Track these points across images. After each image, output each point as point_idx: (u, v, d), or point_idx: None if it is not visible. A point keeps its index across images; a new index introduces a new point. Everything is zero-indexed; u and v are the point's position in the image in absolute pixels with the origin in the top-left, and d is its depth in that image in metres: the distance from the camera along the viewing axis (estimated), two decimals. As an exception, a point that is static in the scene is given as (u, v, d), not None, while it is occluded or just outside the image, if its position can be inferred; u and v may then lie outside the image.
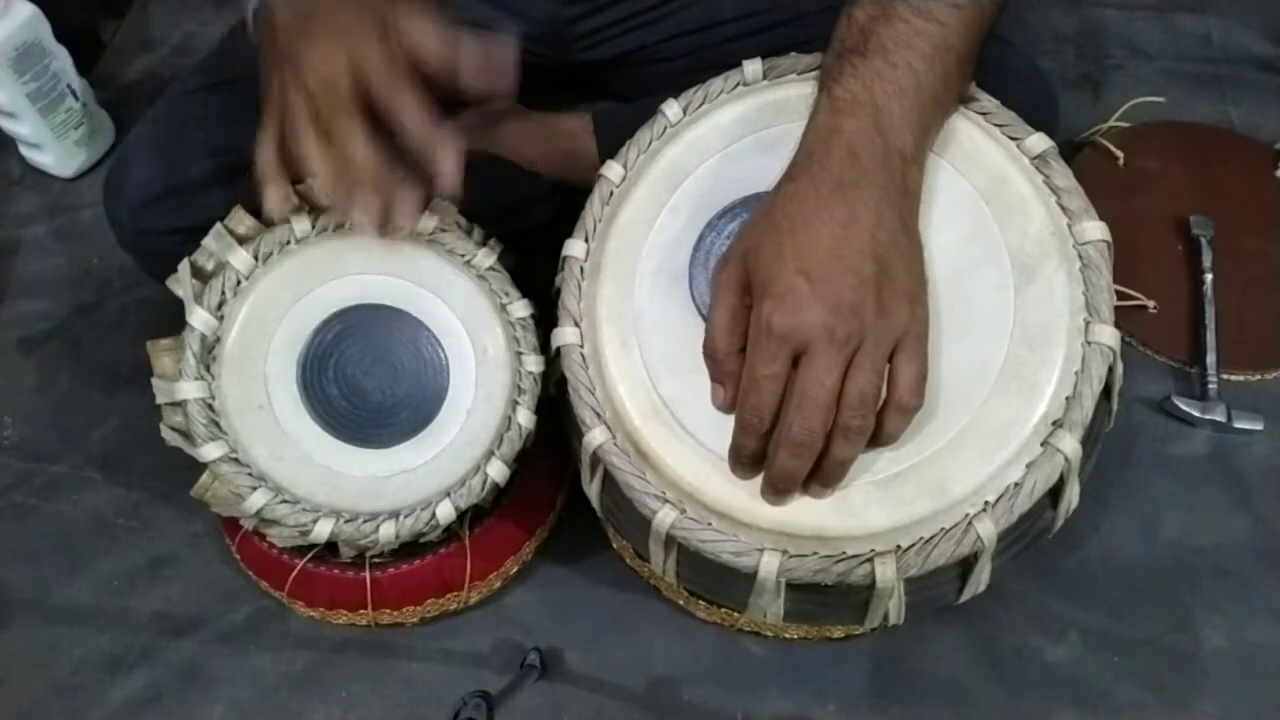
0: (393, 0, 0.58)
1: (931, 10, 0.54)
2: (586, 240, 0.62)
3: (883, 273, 0.51)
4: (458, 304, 0.66)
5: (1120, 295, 0.81)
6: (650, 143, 0.63)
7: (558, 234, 0.63)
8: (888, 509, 0.54)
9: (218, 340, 0.63)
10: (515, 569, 0.77)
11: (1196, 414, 0.84)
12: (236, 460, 0.63)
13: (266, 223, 0.66)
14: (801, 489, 0.53)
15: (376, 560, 0.71)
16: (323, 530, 0.64)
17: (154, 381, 0.64)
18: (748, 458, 0.54)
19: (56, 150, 1.02)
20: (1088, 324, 0.54)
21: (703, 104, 0.63)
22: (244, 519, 0.66)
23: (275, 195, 0.60)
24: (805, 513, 0.54)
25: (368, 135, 0.56)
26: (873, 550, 0.53)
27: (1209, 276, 0.90)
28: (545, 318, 0.65)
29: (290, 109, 0.57)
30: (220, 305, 0.63)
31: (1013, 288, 0.56)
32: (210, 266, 0.65)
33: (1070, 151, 1.00)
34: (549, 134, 0.86)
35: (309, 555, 0.71)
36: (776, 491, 0.53)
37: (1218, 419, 0.84)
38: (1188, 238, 0.93)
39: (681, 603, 0.76)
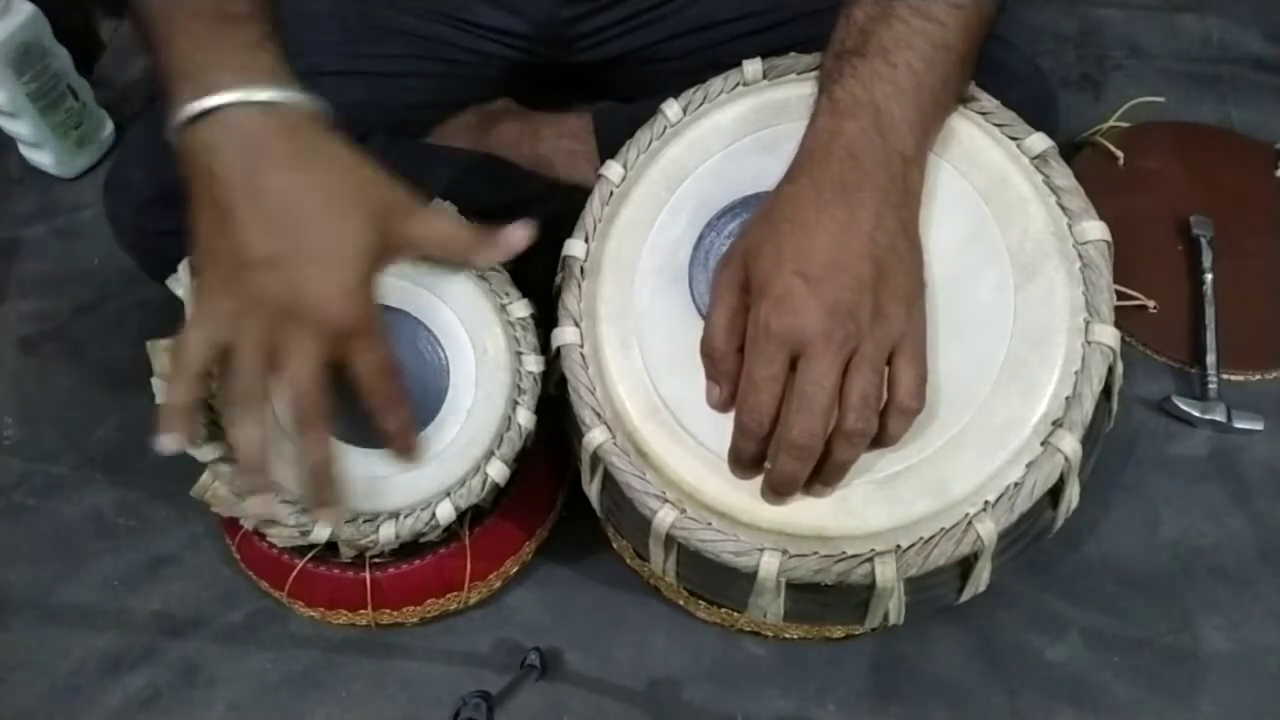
0: (398, 204, 0.54)
1: (931, 10, 0.54)
2: (586, 240, 0.62)
3: (881, 276, 0.51)
4: (458, 304, 0.66)
5: (1120, 295, 0.81)
6: (650, 143, 0.63)
7: (558, 234, 0.63)
8: (888, 509, 0.54)
9: (218, 340, 0.63)
10: (515, 569, 0.77)
11: (1196, 414, 0.84)
12: (237, 460, 0.63)
13: None
14: (802, 489, 0.53)
15: (376, 560, 0.71)
16: (322, 530, 0.64)
17: (154, 381, 0.64)
18: (748, 460, 0.53)
19: (56, 150, 1.02)
20: (1088, 324, 0.54)
21: (703, 104, 0.63)
22: (244, 519, 0.66)
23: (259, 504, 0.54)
24: (805, 513, 0.54)
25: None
26: (873, 550, 0.53)
27: (1209, 276, 0.90)
28: (545, 318, 0.64)
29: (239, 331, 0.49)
30: (220, 305, 0.63)
31: (1013, 288, 0.56)
32: (210, 266, 0.65)
33: (1070, 151, 0.99)
34: (549, 134, 0.86)
35: (309, 555, 0.71)
36: (777, 493, 0.53)
37: (1218, 419, 0.84)
38: (1188, 238, 0.93)
39: (681, 603, 0.76)
